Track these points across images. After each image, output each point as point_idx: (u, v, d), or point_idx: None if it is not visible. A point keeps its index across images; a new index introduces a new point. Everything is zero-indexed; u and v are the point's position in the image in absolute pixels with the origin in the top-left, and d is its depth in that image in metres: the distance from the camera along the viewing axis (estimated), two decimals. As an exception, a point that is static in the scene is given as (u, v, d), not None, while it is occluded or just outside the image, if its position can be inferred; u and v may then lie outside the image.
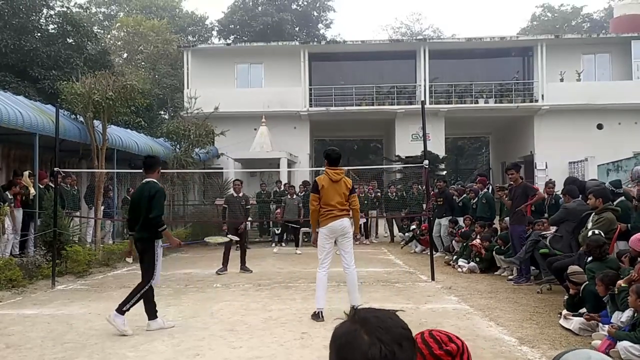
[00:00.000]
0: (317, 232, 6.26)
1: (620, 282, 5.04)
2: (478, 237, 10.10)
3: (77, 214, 12.60)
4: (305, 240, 14.40)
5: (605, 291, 5.16)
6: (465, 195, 12.43)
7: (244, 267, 10.09)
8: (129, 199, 15.02)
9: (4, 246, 9.86)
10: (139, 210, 5.81)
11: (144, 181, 6.01)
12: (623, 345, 4.38)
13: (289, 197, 14.30)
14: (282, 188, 16.97)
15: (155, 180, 5.95)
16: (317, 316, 5.99)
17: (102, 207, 12.82)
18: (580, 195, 7.85)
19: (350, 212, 6.36)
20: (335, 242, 6.27)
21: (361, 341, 1.18)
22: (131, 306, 5.59)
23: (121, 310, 5.52)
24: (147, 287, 5.72)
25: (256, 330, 5.63)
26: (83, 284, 8.99)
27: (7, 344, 5.21)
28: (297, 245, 13.71)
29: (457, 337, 1.49)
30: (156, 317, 5.77)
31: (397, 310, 1.28)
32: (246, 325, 5.85)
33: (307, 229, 14.81)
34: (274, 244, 15.34)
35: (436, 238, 12.29)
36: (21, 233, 10.66)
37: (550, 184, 10.73)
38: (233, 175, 17.39)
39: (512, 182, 8.85)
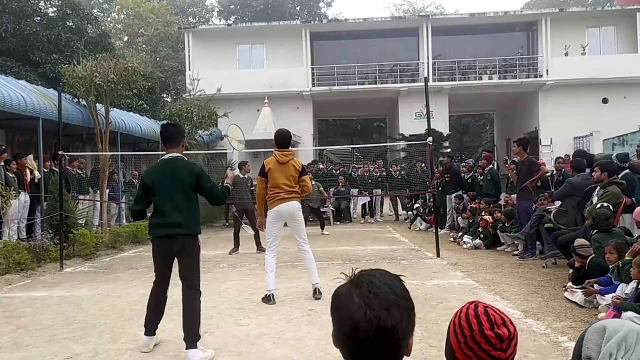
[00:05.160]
0: (264, 216, 6.25)
1: (627, 253, 5.05)
2: (485, 213, 10.14)
3: (82, 197, 12.66)
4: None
5: (618, 259, 5.16)
6: (473, 172, 12.54)
7: (261, 248, 9.67)
8: (135, 183, 15.27)
9: (11, 230, 9.95)
10: (170, 197, 4.23)
11: (168, 157, 4.34)
12: (628, 316, 4.40)
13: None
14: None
15: (184, 157, 4.38)
16: (268, 299, 5.87)
17: (107, 191, 12.87)
18: (588, 169, 7.79)
19: (302, 195, 6.20)
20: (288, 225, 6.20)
21: (351, 303, 1.20)
22: (199, 328, 4.24)
23: (194, 343, 4.12)
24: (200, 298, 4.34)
25: (264, 308, 5.68)
26: (91, 267, 9.07)
27: (18, 325, 5.28)
28: (322, 228, 13.35)
29: (511, 322, 1.41)
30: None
31: (400, 276, 1.29)
32: (254, 303, 5.91)
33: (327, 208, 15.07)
34: None
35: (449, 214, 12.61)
36: (28, 217, 10.74)
37: (559, 160, 10.66)
38: (237, 156, 17.36)
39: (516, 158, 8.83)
